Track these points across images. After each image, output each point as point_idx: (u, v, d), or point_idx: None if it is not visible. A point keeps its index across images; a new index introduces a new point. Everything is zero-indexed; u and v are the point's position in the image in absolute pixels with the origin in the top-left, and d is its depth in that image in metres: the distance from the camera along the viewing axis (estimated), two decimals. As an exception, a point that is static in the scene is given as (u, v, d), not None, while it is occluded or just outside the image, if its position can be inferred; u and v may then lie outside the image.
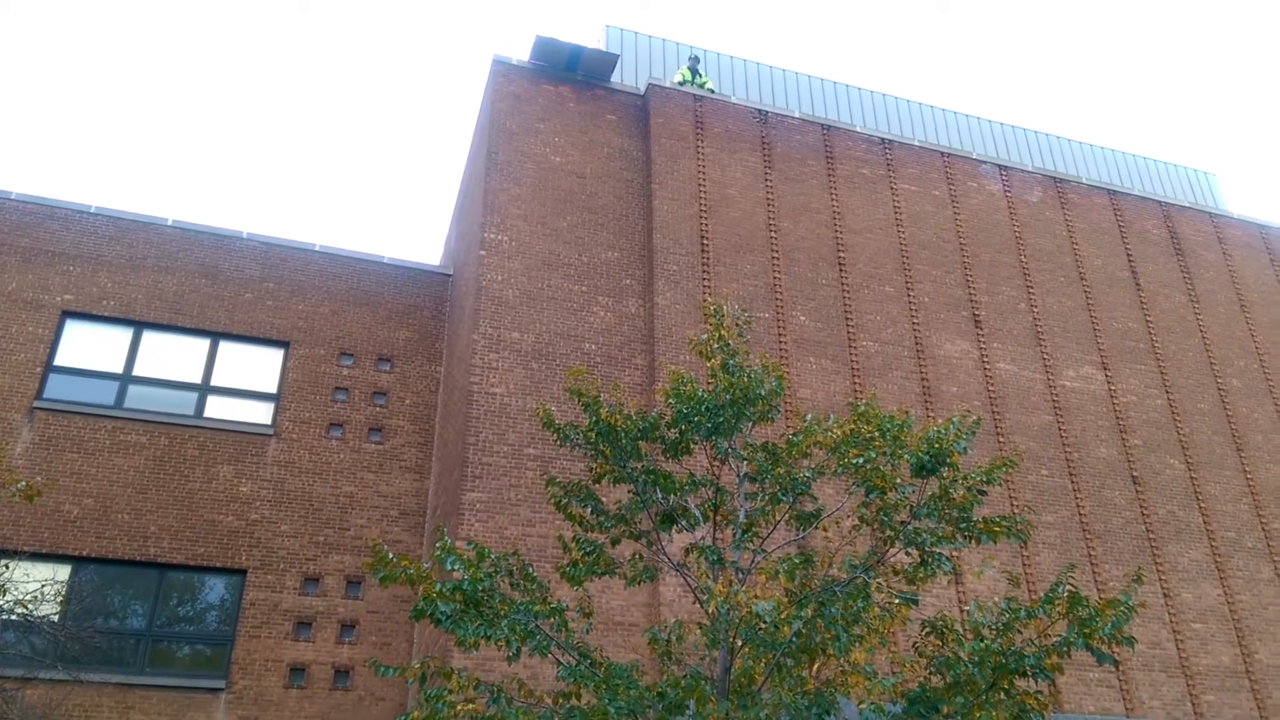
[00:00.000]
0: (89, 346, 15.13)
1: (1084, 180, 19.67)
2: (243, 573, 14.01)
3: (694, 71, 17.91)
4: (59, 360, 14.85)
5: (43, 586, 11.54)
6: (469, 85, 69.44)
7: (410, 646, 14.08)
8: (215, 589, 14.08)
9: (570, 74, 16.63)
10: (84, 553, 13.53)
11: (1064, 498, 15.40)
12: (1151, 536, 15.60)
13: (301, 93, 63.45)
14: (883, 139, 18.08)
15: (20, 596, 11.15)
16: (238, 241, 16.53)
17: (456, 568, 7.33)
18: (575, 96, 16.50)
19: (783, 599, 7.20)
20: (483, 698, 7.13)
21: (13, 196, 15.71)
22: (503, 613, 7.21)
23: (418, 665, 7.45)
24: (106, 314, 15.32)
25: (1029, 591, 13.90)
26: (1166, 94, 70.08)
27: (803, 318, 15.38)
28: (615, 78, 17.33)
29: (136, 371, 15.15)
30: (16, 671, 11.88)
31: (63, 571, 13.34)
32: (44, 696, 11.97)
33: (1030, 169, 19.22)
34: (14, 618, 11.23)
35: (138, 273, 15.75)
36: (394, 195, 64.12)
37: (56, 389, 14.62)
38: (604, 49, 17.83)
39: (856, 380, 15.09)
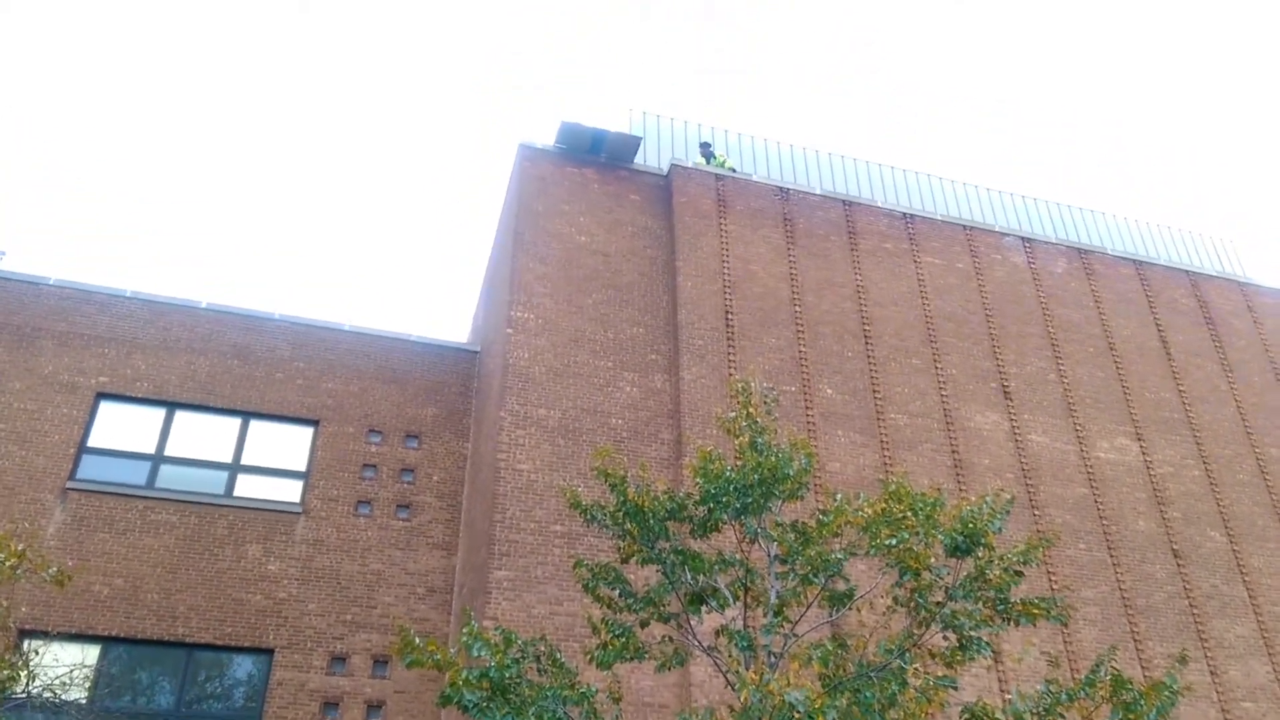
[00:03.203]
0: (122, 427, 15.34)
1: (1109, 250, 19.65)
2: (270, 652, 13.94)
3: (708, 157, 18.14)
4: (92, 441, 15.05)
5: (71, 671, 11.51)
6: (496, 167, 70.86)
7: (436, 730, 13.85)
8: (243, 668, 13.99)
9: (594, 156, 16.98)
10: (113, 633, 13.52)
11: (1103, 572, 15.06)
12: (1195, 611, 15.16)
13: (334, 176, 65.08)
14: (904, 213, 18.21)
15: (49, 681, 11.12)
16: (269, 322, 16.82)
17: (483, 654, 7.26)
18: (599, 178, 16.81)
19: (816, 687, 7.04)
20: (511, 787, 6.98)
21: (50, 282, 16.12)
22: (530, 699, 7.11)
23: (445, 753, 7.33)
24: (140, 395, 15.56)
25: (1071, 671, 13.50)
26: (1183, 163, 70.26)
27: (829, 391, 15.33)
28: (638, 159, 17.65)
29: (168, 451, 15.32)
30: (43, 756, 11.79)
31: (92, 653, 13.32)
32: (69, 781, 11.84)
33: (1054, 240, 19.25)
34: (43, 700, 11.19)
35: (172, 354, 16.03)
36: (422, 275, 65.10)
37: (89, 469, 14.80)
38: (628, 132, 18.20)
39: (886, 453, 14.96)
